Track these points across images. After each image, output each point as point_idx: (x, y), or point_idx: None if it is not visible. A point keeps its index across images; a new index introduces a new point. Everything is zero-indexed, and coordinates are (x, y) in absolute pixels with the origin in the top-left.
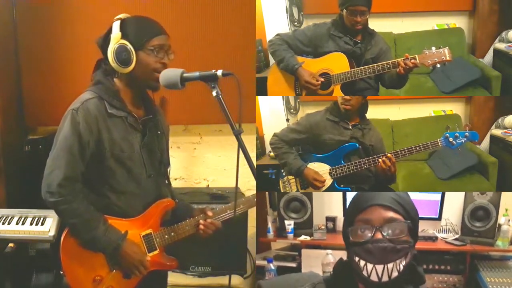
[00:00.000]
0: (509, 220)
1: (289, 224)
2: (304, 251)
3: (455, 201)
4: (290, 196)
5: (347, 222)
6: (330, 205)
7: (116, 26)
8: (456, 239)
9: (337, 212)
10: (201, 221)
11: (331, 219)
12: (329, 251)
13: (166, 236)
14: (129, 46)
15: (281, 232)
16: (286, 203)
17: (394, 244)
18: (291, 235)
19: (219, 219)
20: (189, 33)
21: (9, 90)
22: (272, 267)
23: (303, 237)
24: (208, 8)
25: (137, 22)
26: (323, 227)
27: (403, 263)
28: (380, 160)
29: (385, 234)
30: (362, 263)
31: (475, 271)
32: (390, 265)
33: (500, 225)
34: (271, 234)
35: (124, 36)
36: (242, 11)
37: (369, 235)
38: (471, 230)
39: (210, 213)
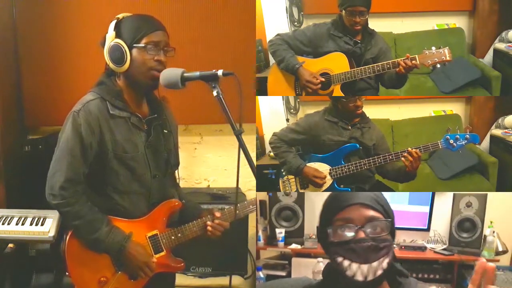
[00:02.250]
0: (494, 232)
1: (280, 233)
2: (295, 260)
3: (443, 213)
4: (281, 205)
5: (324, 221)
6: None
7: (111, 26)
8: (444, 249)
9: None
10: (208, 222)
11: None
12: (320, 259)
13: (173, 237)
14: (123, 44)
15: (271, 240)
16: (277, 212)
17: (377, 243)
18: (281, 244)
19: (228, 219)
20: (189, 32)
21: (9, 90)
22: (262, 276)
23: (293, 246)
24: (208, 8)
25: (131, 20)
26: (314, 236)
27: (387, 260)
28: (405, 154)
29: (367, 232)
30: (346, 262)
31: (463, 280)
32: (375, 264)
33: (485, 236)
34: (261, 242)
35: (118, 35)
36: (242, 11)
37: (351, 234)
38: (458, 241)
39: (217, 214)
